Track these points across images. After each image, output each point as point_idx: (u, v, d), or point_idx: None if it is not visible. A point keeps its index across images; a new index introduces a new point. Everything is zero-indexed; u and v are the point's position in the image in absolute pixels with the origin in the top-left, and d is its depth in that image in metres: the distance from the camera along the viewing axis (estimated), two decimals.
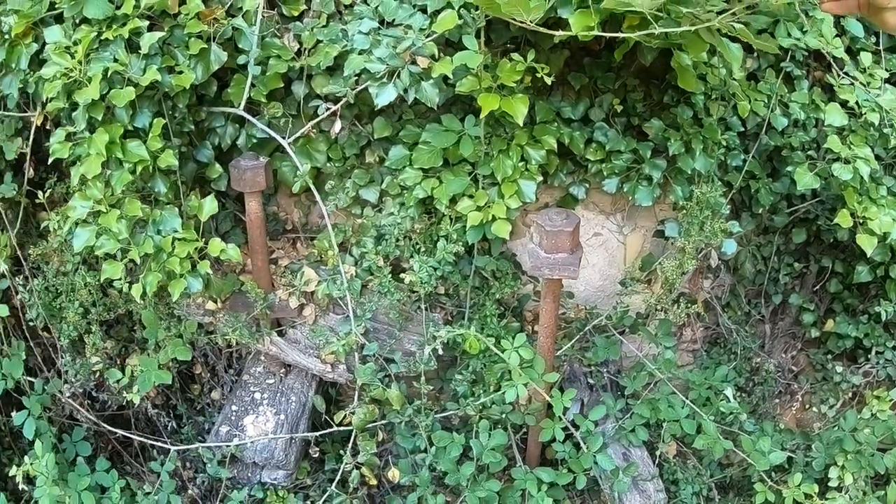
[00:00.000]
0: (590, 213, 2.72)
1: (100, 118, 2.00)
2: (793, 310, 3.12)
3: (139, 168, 2.02)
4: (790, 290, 3.07)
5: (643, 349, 2.83)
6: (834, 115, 2.50)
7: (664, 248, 2.81)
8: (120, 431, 2.61)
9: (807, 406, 3.16)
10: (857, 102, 2.54)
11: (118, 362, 2.73)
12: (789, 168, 2.64)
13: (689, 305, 2.73)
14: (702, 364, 3.06)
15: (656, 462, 2.63)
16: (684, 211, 2.58)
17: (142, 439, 2.63)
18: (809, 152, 2.69)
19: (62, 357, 2.57)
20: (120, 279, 2.06)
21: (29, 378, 2.55)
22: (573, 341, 2.70)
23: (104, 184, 2.02)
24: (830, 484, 2.46)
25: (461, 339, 2.38)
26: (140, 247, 2.03)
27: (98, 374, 2.64)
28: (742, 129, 2.65)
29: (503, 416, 2.54)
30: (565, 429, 2.49)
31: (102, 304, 2.49)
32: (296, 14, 2.31)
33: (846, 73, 2.62)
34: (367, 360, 2.40)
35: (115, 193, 2.01)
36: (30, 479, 2.33)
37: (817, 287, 3.07)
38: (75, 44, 1.99)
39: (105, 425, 2.59)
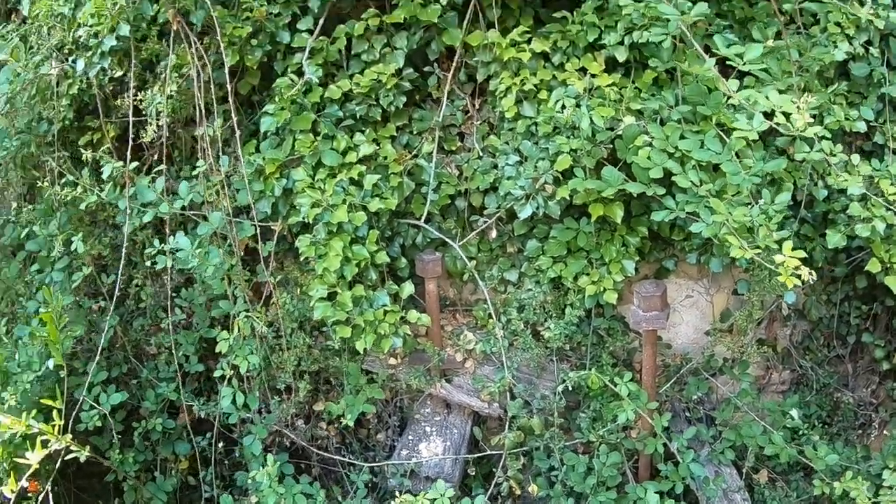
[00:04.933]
0: (681, 279, 4.16)
1: (335, 230, 3.61)
2: (870, 348, 4.41)
3: (362, 264, 3.61)
4: (863, 330, 4.35)
5: (735, 390, 4.20)
6: (853, 187, 3.65)
7: (742, 303, 4.20)
8: (325, 454, 4.17)
9: (885, 433, 4.42)
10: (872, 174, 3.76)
11: (307, 406, 4.32)
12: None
13: (762, 348, 4.09)
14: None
15: (743, 477, 3.99)
16: (750, 272, 3.96)
17: (340, 459, 4.18)
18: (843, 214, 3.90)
19: (274, 397, 4.14)
20: (349, 338, 3.62)
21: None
22: (671, 382, 4.11)
23: (336, 273, 3.61)
24: (885, 484, 3.74)
25: (585, 381, 3.84)
26: (362, 316, 3.60)
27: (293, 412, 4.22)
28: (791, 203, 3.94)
29: (618, 441, 3.96)
30: (665, 446, 3.88)
31: (310, 359, 4.08)
32: (453, 149, 3.92)
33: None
34: (516, 397, 3.89)
35: (346, 280, 3.61)
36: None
37: (889, 325, 4.35)
38: (317, 181, 3.63)
39: (312, 448, 4.16)
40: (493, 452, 4.00)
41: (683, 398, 4.19)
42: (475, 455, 4.06)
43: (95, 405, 3.96)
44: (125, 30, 3.56)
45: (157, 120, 3.65)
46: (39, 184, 4.20)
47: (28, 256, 4.48)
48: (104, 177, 3.68)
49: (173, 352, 4.05)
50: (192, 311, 4.27)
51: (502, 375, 3.85)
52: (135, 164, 3.69)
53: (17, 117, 4.25)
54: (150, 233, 4.09)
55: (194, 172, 3.78)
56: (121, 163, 3.67)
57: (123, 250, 3.76)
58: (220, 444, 4.21)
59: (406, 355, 4.00)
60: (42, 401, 3.47)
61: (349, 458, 4.30)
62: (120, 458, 4.09)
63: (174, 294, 4.25)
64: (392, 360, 4.02)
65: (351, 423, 3.88)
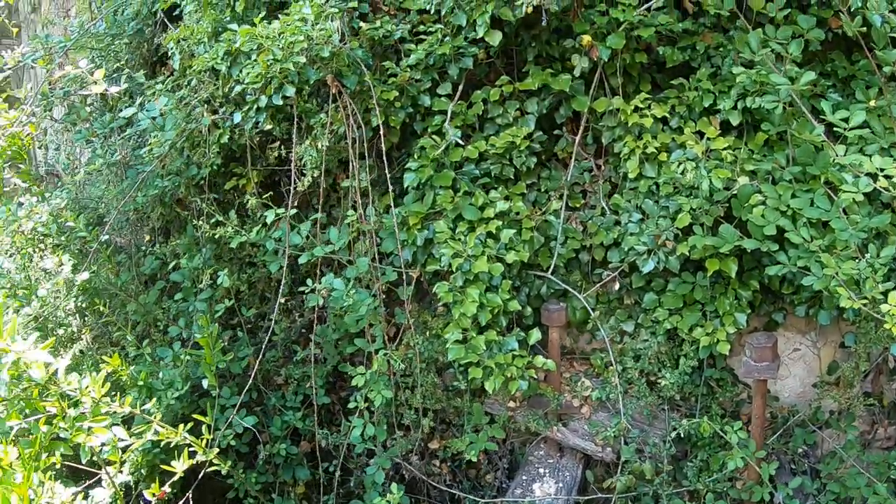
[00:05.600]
0: (789, 333, 4.54)
1: (471, 279, 4.10)
2: None
3: (495, 310, 4.08)
4: None
5: (840, 443, 4.54)
6: None
7: (849, 356, 4.56)
8: (446, 489, 4.61)
9: None
10: None
11: (424, 442, 4.77)
12: None
13: (868, 400, 4.43)
14: None
15: None
16: (857, 325, 4.32)
17: (464, 495, 4.61)
18: None
19: (397, 431, 4.61)
20: (479, 379, 4.08)
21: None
22: (777, 434, 4.48)
23: (471, 318, 4.08)
24: None
25: (696, 429, 4.23)
26: (492, 360, 4.06)
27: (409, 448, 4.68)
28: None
29: (725, 490, 4.33)
30: (770, 495, 4.24)
31: (433, 397, 4.54)
32: (577, 206, 4.40)
33: None
34: (629, 442, 4.29)
35: (479, 325, 4.07)
36: None
37: None
38: (457, 233, 4.13)
39: (431, 482, 4.61)
40: (603, 496, 4.40)
41: (789, 450, 4.54)
42: (586, 497, 4.46)
43: (243, 424, 4.44)
44: (290, 91, 4.12)
45: (313, 171, 4.20)
46: (185, 221, 4.79)
47: (166, 286, 5.06)
48: (268, 222, 4.24)
49: (312, 382, 4.55)
50: (321, 346, 4.77)
51: (618, 421, 4.26)
52: (294, 210, 4.24)
53: (170, 161, 4.85)
54: (286, 272, 4.62)
55: (347, 220, 4.30)
56: (282, 209, 4.22)
57: (282, 287, 4.30)
58: (338, 473, 4.68)
59: (525, 399, 4.44)
60: (195, 416, 3.98)
61: (466, 495, 4.72)
62: (243, 477, 4.58)
63: (304, 330, 4.77)
64: (511, 403, 4.46)
65: (474, 459, 4.32)
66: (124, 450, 3.89)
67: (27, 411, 3.35)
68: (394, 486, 4.23)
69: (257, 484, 4.66)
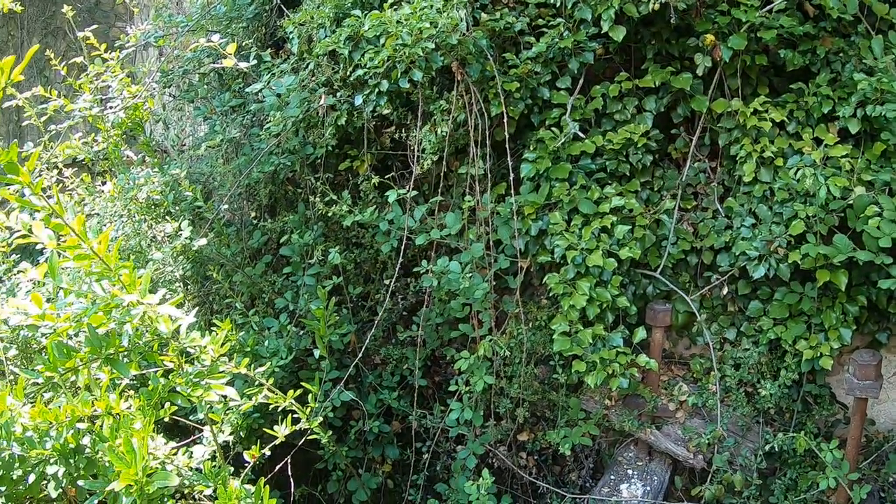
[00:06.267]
0: (892, 355, 4.45)
1: (582, 272, 4.11)
2: None
3: (604, 305, 4.09)
4: None
5: None
6: None
7: None
8: (527, 477, 4.62)
9: None
10: None
11: (513, 433, 4.79)
12: None
13: None
14: None
15: None
16: None
17: (548, 486, 4.62)
18: None
19: (490, 419, 4.64)
20: (582, 372, 4.08)
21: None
22: (870, 459, 4.38)
23: (579, 311, 4.09)
24: None
25: (789, 445, 4.15)
26: (596, 354, 4.06)
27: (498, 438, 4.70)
28: None
29: None
30: None
31: (530, 389, 4.56)
32: (689, 207, 4.38)
33: None
34: (722, 451, 4.25)
35: (587, 318, 4.08)
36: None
37: None
38: (571, 226, 4.15)
39: (521, 472, 4.62)
40: None
41: (880, 478, 4.43)
42: (673, 503, 4.42)
43: (345, 396, 4.51)
44: (418, 75, 4.20)
45: (431, 156, 4.27)
46: (293, 198, 4.91)
47: (272, 259, 5.18)
48: (390, 201, 4.33)
49: (411, 364, 4.61)
50: (422, 328, 4.83)
51: (713, 428, 4.22)
52: (414, 192, 4.32)
53: (285, 140, 4.97)
54: (392, 254, 4.69)
55: (463, 206, 4.36)
56: (404, 190, 4.31)
57: (396, 268, 4.37)
58: (427, 456, 4.72)
59: (621, 398, 4.42)
60: (298, 384, 4.05)
61: (552, 488, 4.71)
62: (333, 450, 4.64)
63: (406, 312, 4.83)
64: (607, 401, 4.45)
65: (567, 452, 4.32)
66: (226, 411, 3.98)
67: (144, 363, 3.46)
68: (485, 471, 4.26)
69: (347, 458, 4.73)
